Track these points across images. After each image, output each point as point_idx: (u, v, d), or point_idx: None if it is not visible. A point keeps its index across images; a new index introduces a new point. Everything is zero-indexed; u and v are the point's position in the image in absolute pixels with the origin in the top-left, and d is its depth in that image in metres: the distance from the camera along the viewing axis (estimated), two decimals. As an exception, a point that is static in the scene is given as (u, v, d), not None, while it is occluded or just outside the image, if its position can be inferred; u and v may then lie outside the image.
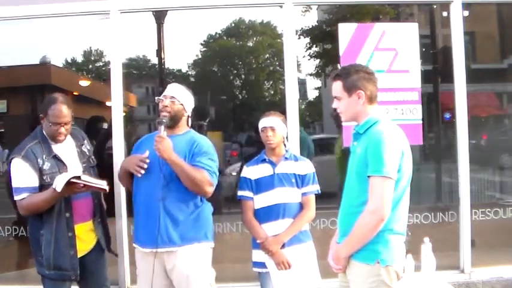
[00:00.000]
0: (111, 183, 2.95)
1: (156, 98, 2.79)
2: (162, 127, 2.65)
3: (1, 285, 3.98)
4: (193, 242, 2.69)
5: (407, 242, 2.32)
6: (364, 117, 2.28)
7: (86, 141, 2.90)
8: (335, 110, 2.38)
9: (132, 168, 2.68)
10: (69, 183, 2.46)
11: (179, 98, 2.77)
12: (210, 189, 2.68)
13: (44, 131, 2.72)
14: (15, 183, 2.62)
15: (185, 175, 2.60)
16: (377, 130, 2.20)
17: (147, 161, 2.65)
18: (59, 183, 2.45)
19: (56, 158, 2.68)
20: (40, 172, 2.62)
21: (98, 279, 2.88)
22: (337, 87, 2.30)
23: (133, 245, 2.82)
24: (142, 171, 2.65)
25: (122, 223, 3.70)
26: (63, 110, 2.65)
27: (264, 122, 2.96)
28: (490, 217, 4.19)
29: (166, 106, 2.72)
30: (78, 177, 2.48)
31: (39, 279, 2.80)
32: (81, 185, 2.50)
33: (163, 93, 2.78)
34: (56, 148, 2.71)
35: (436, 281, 3.05)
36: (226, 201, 4.45)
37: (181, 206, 2.67)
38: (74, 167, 2.68)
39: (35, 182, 2.62)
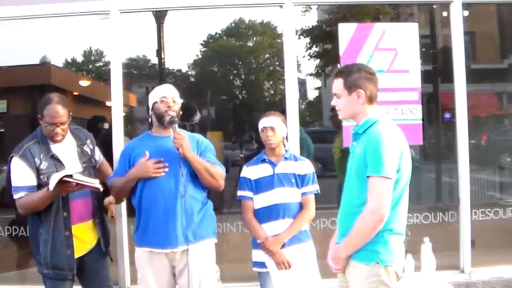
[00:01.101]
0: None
1: (159, 98, 2.75)
2: (176, 125, 2.68)
3: (1, 285, 3.98)
4: (205, 239, 2.72)
5: (406, 242, 2.32)
6: (363, 117, 2.27)
7: (88, 141, 2.88)
8: (332, 109, 2.38)
9: (153, 173, 2.63)
10: (62, 182, 2.46)
11: (177, 98, 2.80)
12: (223, 183, 2.78)
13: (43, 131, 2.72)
14: (13, 182, 2.64)
15: (205, 170, 2.66)
16: (376, 130, 2.19)
17: (162, 159, 2.65)
18: (51, 182, 2.45)
19: (53, 157, 2.68)
20: (37, 171, 2.63)
21: (99, 278, 2.88)
22: (337, 84, 2.30)
23: (140, 248, 2.74)
24: (166, 170, 2.64)
25: (122, 223, 3.70)
26: (59, 110, 2.64)
27: (263, 122, 2.96)
28: (490, 217, 4.19)
29: (172, 106, 2.73)
30: (71, 176, 2.48)
31: (40, 279, 2.81)
32: (74, 184, 2.50)
33: (163, 94, 2.76)
34: (55, 148, 2.71)
35: (436, 281, 3.05)
36: (226, 201, 4.45)
37: (195, 203, 2.70)
38: (73, 167, 2.67)
39: (32, 181, 2.62)
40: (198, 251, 2.67)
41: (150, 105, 2.79)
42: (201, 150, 2.76)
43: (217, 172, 2.73)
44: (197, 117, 4.08)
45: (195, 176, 2.69)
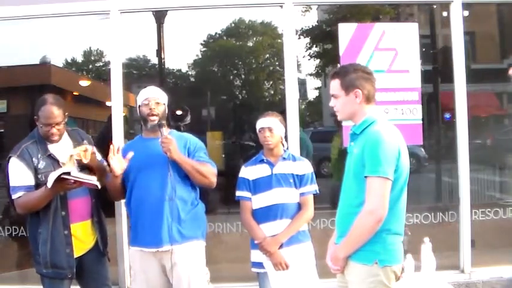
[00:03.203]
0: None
1: (142, 101, 2.77)
2: (164, 129, 2.70)
3: (1, 285, 3.98)
4: (192, 240, 2.75)
5: (407, 242, 2.32)
6: (361, 117, 2.28)
7: (85, 141, 2.89)
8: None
9: (109, 159, 2.64)
10: (60, 180, 2.46)
11: (162, 99, 2.81)
12: (215, 180, 2.80)
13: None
14: (12, 182, 2.65)
15: (195, 170, 2.70)
16: (374, 130, 2.20)
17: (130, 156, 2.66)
18: (50, 180, 2.46)
19: (51, 157, 2.70)
20: (35, 171, 2.64)
21: (98, 278, 2.88)
22: (335, 85, 2.31)
23: (133, 247, 2.80)
24: (114, 154, 2.63)
25: (122, 223, 3.70)
26: (53, 111, 2.66)
27: (261, 123, 2.96)
28: (490, 217, 4.19)
29: (154, 109, 2.75)
30: (69, 173, 2.48)
31: (39, 279, 2.81)
32: (72, 181, 2.51)
33: (145, 97, 2.78)
34: (52, 148, 2.72)
35: (436, 281, 3.05)
36: (226, 201, 4.45)
37: (183, 204, 2.73)
38: (69, 167, 2.67)
39: (30, 181, 2.64)
40: (185, 251, 2.70)
41: (138, 109, 2.82)
42: (190, 150, 2.78)
43: (208, 170, 2.75)
44: (188, 117, 4.09)
45: (184, 177, 2.73)
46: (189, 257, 2.72)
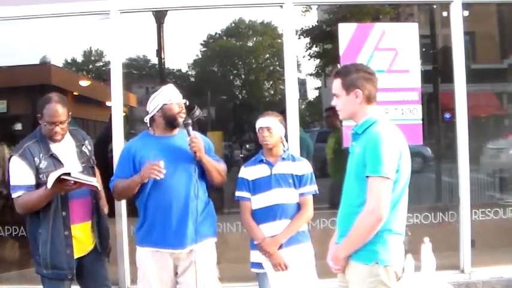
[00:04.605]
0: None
1: (171, 100, 2.73)
2: (191, 128, 2.70)
3: (1, 285, 3.98)
4: (208, 238, 2.78)
5: (407, 242, 2.32)
6: (362, 117, 2.28)
7: (87, 142, 2.90)
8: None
9: (152, 174, 2.57)
10: (60, 180, 2.46)
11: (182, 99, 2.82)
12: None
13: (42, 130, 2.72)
14: (12, 182, 2.65)
15: (215, 169, 2.77)
16: (375, 130, 2.20)
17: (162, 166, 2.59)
18: (49, 180, 2.46)
19: (53, 157, 2.69)
20: (37, 171, 2.64)
21: (97, 279, 2.88)
22: (336, 84, 2.31)
23: (143, 247, 2.75)
24: (161, 175, 2.58)
25: (122, 223, 3.70)
26: (58, 109, 2.65)
27: (260, 123, 2.94)
28: (490, 217, 4.19)
29: (183, 107, 2.78)
30: (69, 174, 2.48)
31: (39, 279, 2.80)
32: (72, 182, 2.50)
33: (175, 96, 2.75)
34: (54, 147, 2.71)
35: (436, 281, 3.05)
36: (227, 201, 4.45)
37: (201, 204, 2.74)
38: (72, 166, 2.67)
39: (31, 181, 2.63)
40: (202, 249, 2.72)
41: (157, 106, 2.74)
42: (206, 149, 2.77)
43: (224, 169, 2.85)
44: (197, 112, 4.06)
45: (202, 177, 2.75)
46: (205, 255, 2.74)
